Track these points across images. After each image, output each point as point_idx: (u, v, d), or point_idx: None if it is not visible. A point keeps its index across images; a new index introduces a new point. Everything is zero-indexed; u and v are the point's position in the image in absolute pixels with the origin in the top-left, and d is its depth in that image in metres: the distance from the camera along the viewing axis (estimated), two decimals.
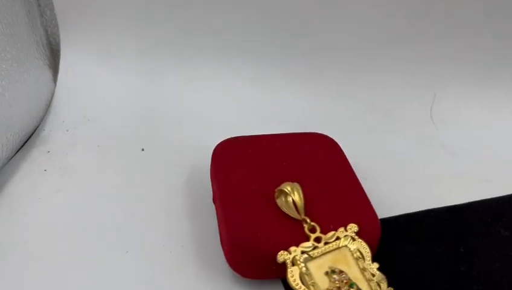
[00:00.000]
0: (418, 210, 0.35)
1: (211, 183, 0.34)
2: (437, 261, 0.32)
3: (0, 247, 0.32)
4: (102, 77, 0.46)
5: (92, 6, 0.44)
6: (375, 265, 0.27)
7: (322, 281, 0.26)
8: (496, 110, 0.44)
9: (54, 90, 0.45)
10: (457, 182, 0.38)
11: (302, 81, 0.45)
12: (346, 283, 0.26)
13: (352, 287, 0.26)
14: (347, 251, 0.28)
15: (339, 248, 0.28)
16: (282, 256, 0.27)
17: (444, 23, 0.43)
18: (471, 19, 0.42)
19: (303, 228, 0.29)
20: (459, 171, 0.40)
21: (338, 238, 0.28)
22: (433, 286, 0.30)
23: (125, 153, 0.40)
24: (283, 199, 0.30)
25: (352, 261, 0.27)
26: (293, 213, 0.29)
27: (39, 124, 0.42)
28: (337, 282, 0.26)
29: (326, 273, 0.27)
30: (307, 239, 0.28)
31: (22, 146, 0.40)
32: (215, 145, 0.35)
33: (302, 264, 0.27)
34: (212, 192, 0.34)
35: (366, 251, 0.28)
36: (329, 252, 0.28)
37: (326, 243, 0.28)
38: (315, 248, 0.28)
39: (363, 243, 0.28)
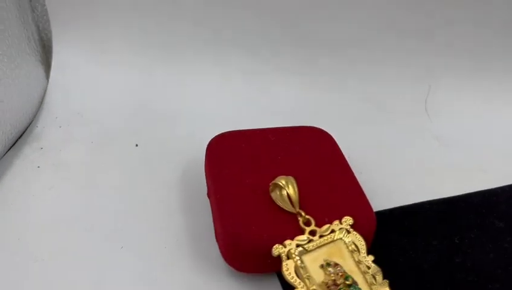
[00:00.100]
0: (412, 202, 0.35)
1: (205, 178, 0.34)
2: (432, 253, 0.32)
3: None
4: (95, 72, 0.46)
5: (84, 1, 0.44)
6: (370, 257, 0.27)
7: (317, 274, 0.26)
8: (489, 102, 0.44)
9: (46, 86, 0.44)
10: (451, 173, 0.39)
11: (295, 74, 0.45)
12: (341, 275, 0.26)
13: (348, 280, 0.26)
14: (342, 244, 0.28)
15: (333, 240, 0.28)
16: (277, 249, 0.27)
17: (438, 15, 0.43)
18: (465, 11, 0.42)
19: (298, 221, 0.29)
20: (454, 163, 0.40)
21: (333, 231, 0.28)
22: (428, 277, 0.30)
23: (119, 149, 0.40)
24: (277, 193, 0.30)
25: (347, 254, 0.28)
26: (287, 207, 0.29)
27: (32, 121, 0.42)
28: (332, 275, 0.26)
29: (322, 266, 0.27)
30: (302, 232, 0.28)
31: (15, 143, 0.40)
32: (209, 139, 0.35)
33: (297, 258, 0.27)
34: (206, 187, 0.34)
35: (361, 244, 0.28)
36: (324, 245, 0.28)
37: (321, 236, 0.28)
38: (310, 241, 0.28)
39: (358, 236, 0.28)
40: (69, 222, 0.33)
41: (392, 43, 0.44)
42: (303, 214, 0.29)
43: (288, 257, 0.27)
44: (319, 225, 0.28)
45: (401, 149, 0.41)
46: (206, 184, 0.34)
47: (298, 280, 0.26)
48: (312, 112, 0.43)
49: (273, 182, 0.30)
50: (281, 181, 0.29)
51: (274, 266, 0.27)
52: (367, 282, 0.26)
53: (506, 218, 0.34)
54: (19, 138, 0.40)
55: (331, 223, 0.28)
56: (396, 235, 0.33)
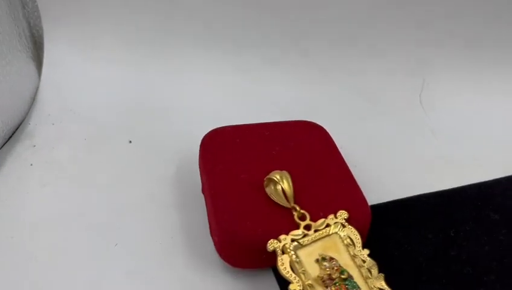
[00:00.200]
0: (408, 196, 0.35)
1: (199, 174, 0.34)
2: (427, 246, 0.32)
3: None
4: (87, 69, 0.45)
5: None
6: (366, 251, 0.27)
7: (313, 269, 0.26)
8: (484, 94, 0.44)
9: (38, 83, 0.44)
10: (447, 166, 0.39)
11: (289, 69, 0.45)
12: (336, 269, 0.26)
13: (343, 274, 0.26)
14: (337, 238, 0.28)
15: (329, 235, 0.28)
16: (272, 245, 0.27)
17: (433, 7, 0.43)
18: (459, 2, 0.42)
19: (293, 216, 0.29)
20: (449, 156, 0.40)
21: (328, 225, 0.28)
22: (424, 271, 0.30)
23: (113, 146, 0.39)
24: (272, 188, 0.29)
25: (342, 248, 0.27)
26: (282, 201, 0.29)
27: (24, 118, 0.41)
28: (327, 269, 0.26)
29: (317, 260, 0.27)
30: (297, 227, 0.28)
31: (7, 141, 0.39)
32: (203, 135, 0.34)
33: (292, 252, 0.27)
34: (201, 183, 0.33)
35: (357, 238, 0.28)
36: (319, 239, 0.28)
37: (316, 231, 0.28)
38: (305, 235, 0.28)
39: (353, 230, 0.28)
40: (62, 219, 0.33)
41: (386, 37, 0.44)
42: (298, 208, 0.29)
43: (283, 252, 0.27)
44: (314, 219, 0.28)
45: (396, 142, 0.41)
46: (200, 180, 0.33)
47: (293, 275, 0.26)
48: (306, 106, 0.43)
49: (268, 176, 0.30)
50: (276, 176, 0.29)
51: (269, 261, 0.27)
52: (362, 276, 0.26)
53: (501, 210, 0.34)
54: (11, 135, 0.40)
55: (326, 217, 0.28)
56: (392, 228, 0.33)
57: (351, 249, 0.27)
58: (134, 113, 0.42)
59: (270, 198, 0.29)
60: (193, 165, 0.35)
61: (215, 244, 0.30)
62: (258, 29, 0.45)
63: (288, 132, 0.35)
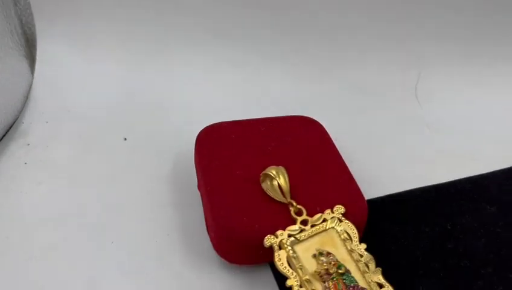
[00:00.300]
0: (404, 190, 0.35)
1: (195, 170, 0.33)
2: (424, 239, 0.32)
3: None
4: (81, 66, 0.45)
5: None
6: (363, 246, 0.27)
7: (310, 264, 0.26)
8: (479, 88, 0.44)
9: (31, 81, 0.43)
10: (443, 160, 0.38)
11: (284, 63, 0.45)
12: (334, 264, 0.26)
13: (340, 269, 0.26)
14: (334, 233, 0.28)
15: (325, 230, 0.28)
16: (268, 240, 0.27)
17: (429, 1, 0.42)
18: None
19: (289, 211, 0.28)
20: (445, 150, 0.40)
21: (325, 220, 0.28)
22: (421, 264, 0.30)
23: (108, 143, 0.39)
24: (268, 183, 0.29)
25: (339, 243, 0.27)
26: (278, 197, 0.29)
27: (18, 117, 0.41)
28: (325, 264, 0.26)
29: (314, 255, 0.27)
30: (294, 222, 0.28)
31: (1, 140, 0.39)
32: (199, 131, 0.34)
33: (289, 248, 0.27)
34: (196, 179, 0.33)
35: (354, 232, 0.28)
36: (316, 234, 0.28)
37: (313, 226, 0.28)
38: (302, 230, 0.27)
39: (350, 224, 0.28)
40: (58, 218, 0.33)
41: (381, 30, 0.44)
42: (294, 204, 0.29)
43: (280, 248, 0.27)
44: (311, 214, 0.28)
45: (391, 137, 0.41)
46: (196, 177, 0.33)
47: (291, 270, 0.26)
48: (302, 101, 0.43)
49: (264, 172, 0.30)
50: (272, 171, 0.29)
51: (266, 257, 0.27)
52: (360, 270, 0.26)
53: (497, 203, 0.34)
54: (5, 134, 0.40)
55: (322, 212, 0.28)
56: (389, 223, 0.33)
57: (348, 243, 0.27)
58: (130, 110, 0.42)
59: (267, 194, 0.29)
60: (189, 162, 0.35)
61: (211, 241, 0.30)
62: (253, 24, 0.44)
63: (284, 127, 0.35)
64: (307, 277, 0.26)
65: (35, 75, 0.44)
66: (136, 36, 0.45)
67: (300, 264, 0.26)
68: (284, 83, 0.45)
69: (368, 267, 0.26)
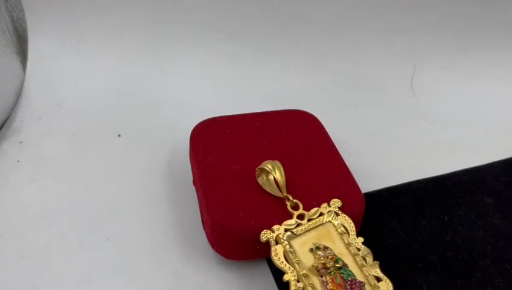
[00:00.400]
0: (401, 182, 0.35)
1: (190, 166, 0.33)
2: (421, 232, 0.32)
3: None
4: (73, 62, 0.44)
5: None
6: (360, 239, 0.27)
7: (307, 258, 0.26)
8: (475, 79, 0.44)
9: (23, 78, 0.43)
10: (439, 152, 0.38)
11: (279, 57, 0.45)
12: (331, 258, 0.26)
13: (338, 263, 0.26)
14: (331, 227, 0.27)
15: (322, 223, 0.28)
16: (265, 235, 0.27)
17: None
18: None
19: (285, 205, 0.28)
20: (441, 142, 0.39)
21: (321, 214, 0.28)
22: (419, 257, 0.30)
23: (102, 140, 0.39)
24: (264, 178, 0.29)
25: (336, 237, 0.27)
26: (274, 191, 0.29)
27: (10, 114, 0.41)
28: (322, 258, 0.26)
29: (311, 250, 0.26)
30: (290, 217, 0.28)
31: None
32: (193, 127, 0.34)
33: (286, 242, 0.26)
34: (192, 175, 0.33)
35: (351, 226, 0.27)
36: (313, 228, 0.27)
37: (309, 220, 0.28)
38: (298, 225, 0.27)
39: (347, 218, 0.28)
40: (51, 216, 0.33)
41: (376, 22, 0.43)
42: (290, 198, 0.28)
43: (277, 242, 0.27)
44: (307, 208, 0.28)
45: (388, 129, 0.40)
46: (191, 172, 0.33)
47: (288, 265, 0.26)
48: (297, 95, 0.43)
49: (259, 166, 0.29)
50: (267, 166, 0.29)
51: (263, 252, 0.27)
52: (357, 264, 0.26)
53: (495, 194, 0.34)
54: None
55: (319, 206, 0.28)
56: (385, 216, 0.32)
57: (345, 237, 0.27)
58: (123, 107, 0.42)
59: (263, 188, 0.29)
60: (184, 158, 0.34)
61: (207, 237, 0.30)
62: (247, 18, 0.44)
63: (279, 121, 0.34)
64: (304, 272, 0.25)
65: (27, 72, 0.43)
66: (129, 31, 0.45)
67: (297, 258, 0.26)
68: (279, 77, 0.44)
69: (365, 260, 0.26)
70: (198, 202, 0.31)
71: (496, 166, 0.36)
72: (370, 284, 0.25)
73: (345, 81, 0.44)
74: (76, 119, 0.40)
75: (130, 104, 0.42)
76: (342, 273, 0.26)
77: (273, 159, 0.30)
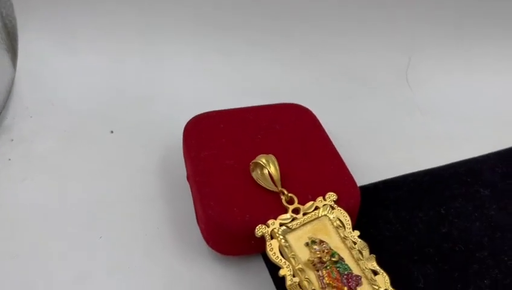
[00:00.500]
0: (397, 175, 0.35)
1: (184, 162, 0.33)
2: (418, 225, 0.31)
3: None
4: (64, 59, 0.44)
5: None
6: (356, 233, 0.27)
7: (303, 253, 0.26)
8: (471, 70, 0.44)
9: (14, 76, 0.42)
10: (435, 144, 0.38)
11: (272, 50, 0.44)
12: (327, 252, 0.26)
13: (334, 257, 0.26)
14: (327, 220, 0.27)
15: (318, 217, 0.27)
16: (260, 230, 0.26)
17: None
18: None
19: (280, 200, 0.28)
20: (437, 134, 0.39)
21: (317, 208, 0.28)
22: (416, 249, 0.30)
23: (94, 137, 0.38)
24: (259, 172, 0.29)
25: (332, 231, 0.27)
26: (269, 185, 0.28)
27: (1, 112, 0.40)
28: (318, 252, 0.26)
29: (307, 244, 0.26)
30: (285, 211, 0.27)
31: None
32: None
33: (281, 237, 0.26)
34: (186, 170, 0.33)
35: (346, 219, 0.27)
36: (308, 222, 0.27)
37: (305, 214, 0.27)
38: (294, 219, 0.27)
39: (343, 211, 0.27)
40: (43, 215, 0.32)
41: (370, 15, 0.43)
42: (285, 192, 0.28)
43: (272, 237, 0.26)
44: (303, 202, 0.28)
45: (383, 122, 0.40)
46: (185, 168, 0.33)
47: (283, 260, 0.25)
48: (291, 88, 0.42)
49: (254, 161, 0.29)
50: (262, 160, 0.29)
51: (258, 248, 0.27)
52: (354, 258, 0.26)
53: (491, 185, 0.34)
54: None
55: (314, 200, 0.28)
56: (382, 209, 0.32)
57: (341, 231, 0.27)
58: (115, 103, 0.41)
59: (257, 183, 0.29)
60: (178, 154, 0.34)
61: (202, 233, 0.30)
62: (239, 11, 0.43)
63: (273, 115, 0.34)
64: (300, 266, 0.25)
65: (17, 69, 0.43)
66: (120, 27, 0.44)
67: (292, 253, 0.26)
68: (272, 70, 0.44)
69: (361, 254, 0.26)
70: (192, 197, 0.31)
71: (492, 157, 0.36)
72: (367, 278, 0.25)
73: (339, 74, 0.44)
74: (68, 116, 0.40)
75: (122, 100, 0.41)
76: (338, 267, 0.25)
77: (267, 153, 0.29)
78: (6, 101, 0.41)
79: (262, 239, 0.26)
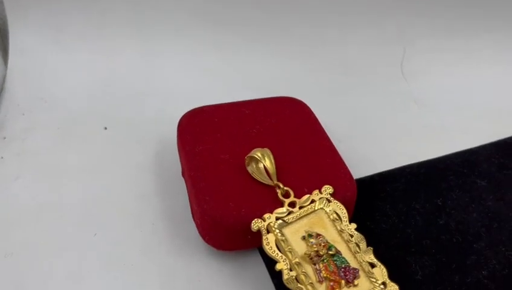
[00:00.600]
0: (393, 167, 0.34)
1: (178, 157, 0.32)
2: (415, 217, 0.31)
3: None
4: (56, 55, 0.43)
5: None
6: (353, 226, 0.27)
7: (299, 246, 0.26)
8: (466, 61, 0.44)
9: (5, 73, 0.42)
10: (431, 136, 0.38)
11: (267, 44, 0.44)
12: (324, 246, 0.26)
13: (331, 250, 0.25)
14: (323, 214, 0.27)
15: (314, 211, 0.27)
16: (256, 224, 0.26)
17: None
18: None
19: (276, 193, 0.28)
20: (433, 125, 0.39)
21: (313, 201, 0.27)
22: (413, 241, 0.30)
23: (88, 133, 0.38)
24: (254, 166, 0.29)
25: (329, 224, 0.27)
26: (265, 179, 0.28)
27: None
28: (314, 246, 0.25)
29: (303, 237, 0.26)
30: (281, 205, 0.27)
31: None
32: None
33: (277, 231, 0.26)
34: (180, 166, 0.32)
35: (343, 212, 0.27)
36: (304, 216, 0.27)
37: (301, 207, 0.27)
38: (290, 213, 0.27)
39: (339, 204, 0.27)
40: (37, 212, 0.32)
41: (364, 6, 0.43)
42: (281, 185, 0.28)
43: (268, 231, 0.26)
44: (299, 196, 0.28)
45: (379, 114, 0.40)
46: (180, 163, 0.32)
47: (280, 254, 0.25)
48: (286, 82, 0.42)
49: (249, 155, 0.29)
50: (257, 154, 0.28)
51: (254, 242, 0.27)
52: (351, 251, 0.26)
53: (488, 176, 0.34)
54: None
55: (310, 193, 0.28)
56: (378, 201, 0.32)
57: (337, 224, 0.27)
58: (109, 99, 0.41)
59: (253, 177, 0.29)
60: (172, 149, 0.34)
61: (197, 228, 0.29)
62: (234, 5, 0.43)
63: (268, 109, 0.34)
64: (297, 260, 0.25)
65: (8, 66, 0.42)
66: (112, 23, 0.44)
67: (289, 247, 0.25)
68: (267, 64, 0.44)
69: (358, 247, 0.26)
70: (188, 192, 0.31)
71: (488, 148, 0.36)
72: (364, 271, 0.25)
73: (334, 66, 0.44)
74: (61, 113, 0.40)
75: (115, 95, 0.41)
76: (335, 260, 0.25)
77: (262, 147, 0.29)
78: None
79: (258, 233, 0.26)
